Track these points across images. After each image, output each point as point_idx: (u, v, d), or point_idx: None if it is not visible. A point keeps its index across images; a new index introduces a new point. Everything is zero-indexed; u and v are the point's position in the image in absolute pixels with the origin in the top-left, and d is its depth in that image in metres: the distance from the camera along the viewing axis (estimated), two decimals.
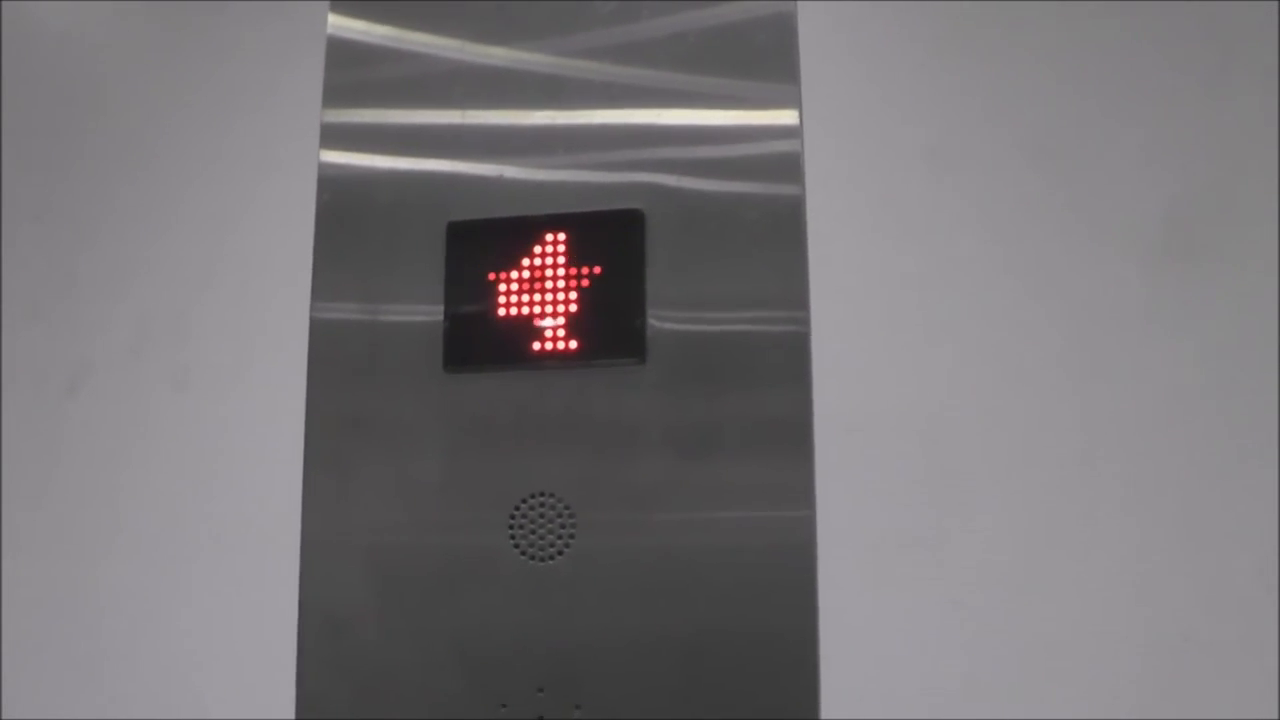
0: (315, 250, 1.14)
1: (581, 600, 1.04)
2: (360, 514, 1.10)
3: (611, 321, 1.07)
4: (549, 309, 1.09)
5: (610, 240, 1.09)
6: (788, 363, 1.04)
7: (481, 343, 1.10)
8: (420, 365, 1.10)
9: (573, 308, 1.08)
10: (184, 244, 1.25)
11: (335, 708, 1.08)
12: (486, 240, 1.11)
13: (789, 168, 1.07)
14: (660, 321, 1.06)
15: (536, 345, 1.09)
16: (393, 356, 1.11)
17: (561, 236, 1.09)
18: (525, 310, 1.09)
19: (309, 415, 1.13)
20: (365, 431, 1.11)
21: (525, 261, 1.10)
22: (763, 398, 1.04)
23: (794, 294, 1.05)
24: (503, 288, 1.10)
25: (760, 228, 1.06)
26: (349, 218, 1.15)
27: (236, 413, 1.24)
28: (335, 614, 1.09)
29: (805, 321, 1.05)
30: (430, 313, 1.11)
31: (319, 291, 1.14)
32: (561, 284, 1.09)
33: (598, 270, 1.09)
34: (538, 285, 1.10)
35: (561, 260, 1.09)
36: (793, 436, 1.03)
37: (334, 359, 1.13)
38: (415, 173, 1.15)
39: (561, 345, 1.08)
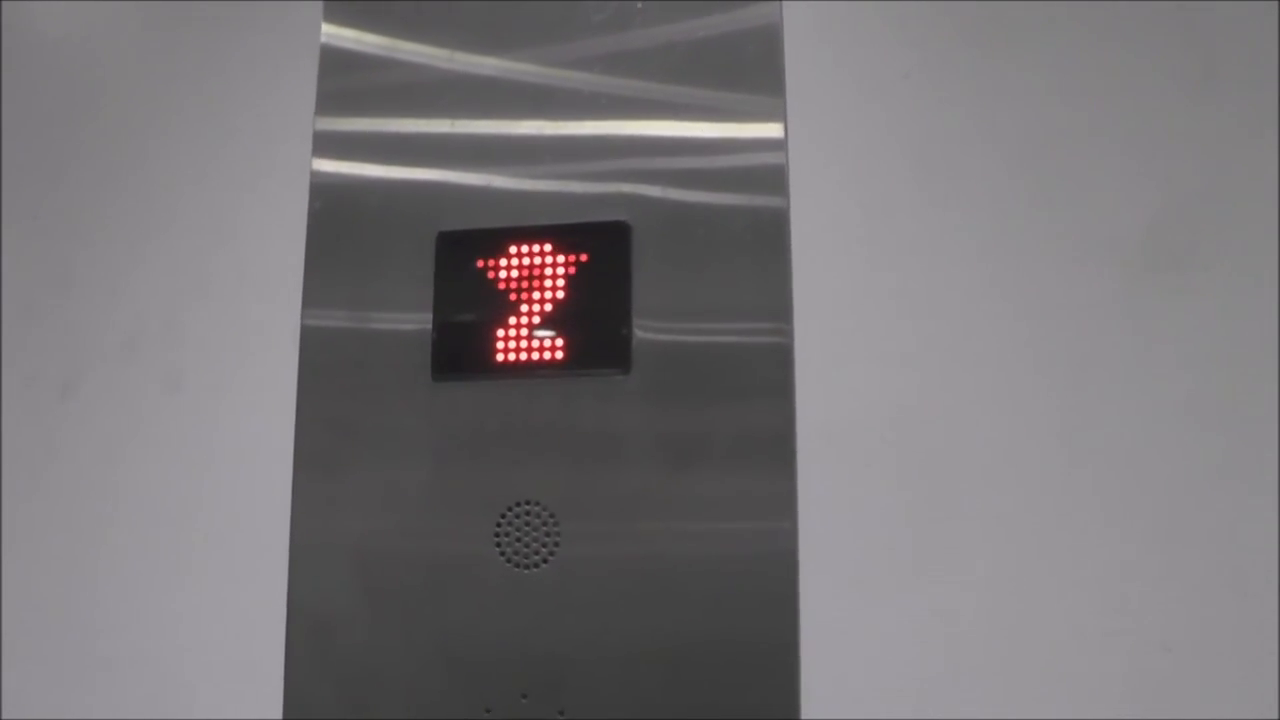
0: (306, 258, 1.15)
1: (565, 607, 1.06)
2: (348, 519, 1.11)
3: (597, 332, 1.08)
4: (535, 319, 1.10)
5: (596, 251, 1.10)
6: (770, 374, 1.05)
7: (469, 352, 1.11)
8: (409, 373, 1.11)
9: (559, 318, 1.09)
10: (179, 246, 1.26)
11: (321, 710, 1.09)
12: (475, 250, 1.12)
13: (773, 180, 1.08)
14: (645, 332, 1.07)
15: (523, 355, 1.10)
16: (382, 364, 1.12)
17: (549, 247, 1.10)
18: (512, 320, 1.10)
19: (299, 421, 1.14)
20: (354, 438, 1.12)
21: (513, 272, 1.11)
22: (746, 409, 1.05)
23: (777, 305, 1.06)
24: (490, 297, 1.11)
25: (744, 239, 1.07)
26: (340, 225, 1.15)
27: (230, 415, 1.25)
28: (322, 618, 1.11)
29: (788, 333, 1.05)
30: (419, 321, 1.12)
31: (310, 299, 1.15)
32: (548, 294, 1.10)
33: (583, 281, 1.10)
34: (525, 295, 1.10)
35: (548, 271, 1.10)
36: (775, 447, 1.04)
37: (324, 366, 1.14)
38: (405, 181, 1.16)
39: (548, 355, 1.09)
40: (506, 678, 1.05)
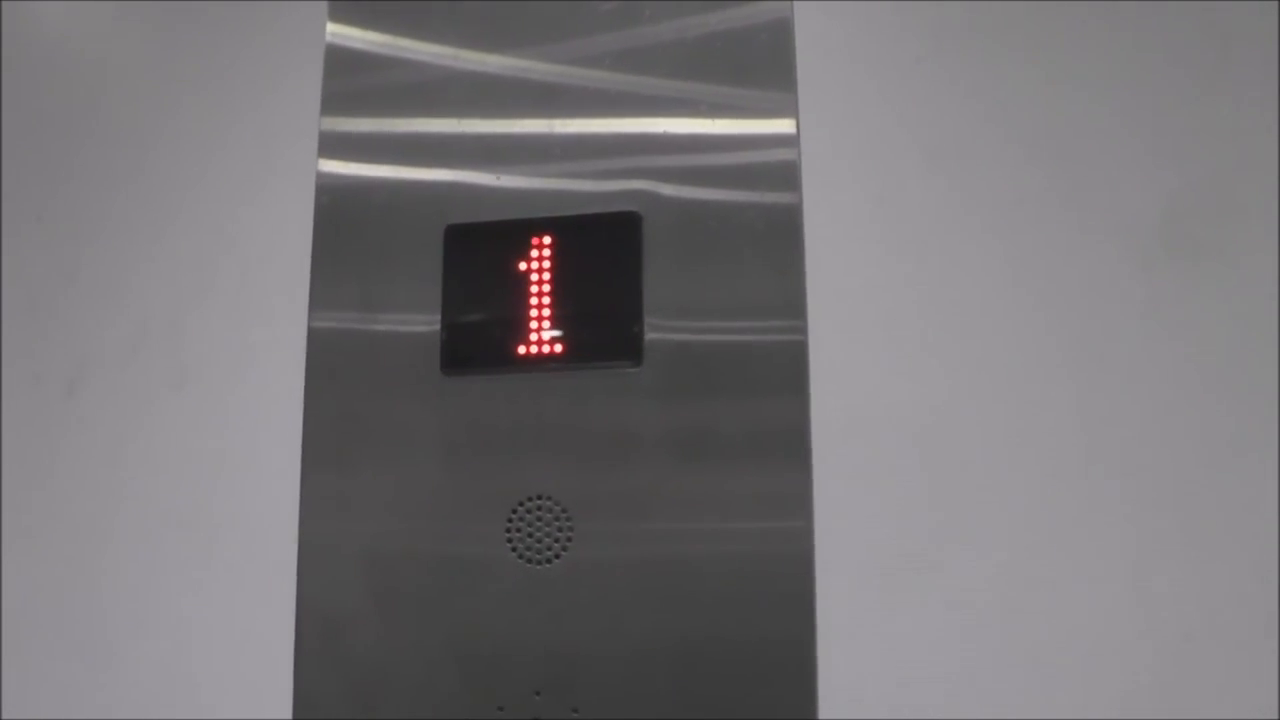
0: (313, 258, 1.14)
1: (578, 603, 1.05)
2: (358, 517, 1.11)
3: (608, 323, 1.08)
4: (546, 311, 1.09)
5: (607, 242, 1.09)
6: (785, 372, 1.05)
7: (479, 346, 1.10)
8: (418, 371, 1.11)
9: (569, 310, 1.09)
10: (183, 245, 1.25)
11: (332, 709, 1.09)
12: (484, 243, 1.11)
13: (786, 176, 1.07)
14: (657, 332, 1.07)
15: (534, 348, 1.09)
16: (390, 361, 1.12)
17: (559, 239, 1.10)
18: (522, 313, 1.10)
19: (307, 419, 1.13)
20: (362, 436, 1.11)
21: (522, 264, 1.10)
22: (760, 407, 1.04)
23: (791, 303, 1.06)
24: (500, 290, 1.10)
25: (758, 236, 1.07)
26: (346, 225, 1.15)
27: (235, 413, 1.24)
28: (333, 617, 1.10)
29: (803, 330, 1.05)
30: (428, 317, 1.11)
31: (317, 299, 1.14)
32: (559, 286, 1.09)
33: (594, 271, 1.09)
34: (535, 287, 1.10)
35: (558, 262, 1.10)
36: (790, 446, 1.03)
37: (332, 365, 1.13)
38: (412, 180, 1.15)
39: (558, 348, 1.09)
40: (520, 675, 1.05)
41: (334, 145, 1.17)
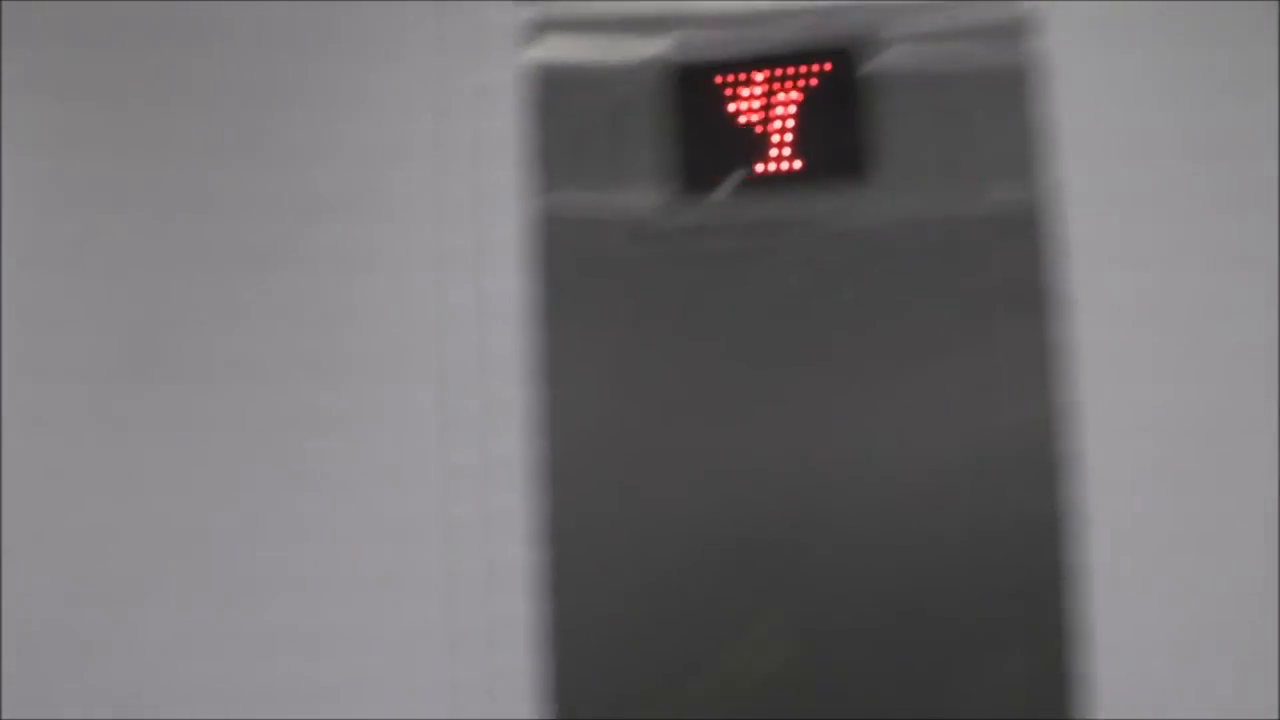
0: (533, 139, 1.12)
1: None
2: (594, 385, 1.10)
3: (838, 140, 1.08)
4: (778, 125, 1.09)
5: (831, 71, 1.08)
6: (1024, 235, 1.02)
7: (715, 163, 1.10)
8: (637, 240, 1.10)
9: (801, 127, 1.09)
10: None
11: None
12: (712, 79, 1.11)
13: (1024, 28, 1.04)
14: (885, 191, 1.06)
15: (769, 165, 1.09)
16: (617, 230, 1.10)
17: (779, 72, 1.09)
18: (750, 146, 1.09)
19: (539, 303, 1.10)
20: (587, 305, 1.11)
21: (746, 103, 1.10)
22: (1001, 270, 1.03)
23: (1030, 160, 1.03)
24: (725, 128, 1.10)
25: (994, 90, 1.04)
26: (562, 102, 1.12)
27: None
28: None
29: (1045, 188, 1.02)
30: (652, 184, 1.10)
31: (543, 181, 1.11)
32: (790, 112, 1.09)
33: (820, 98, 1.08)
34: (759, 125, 1.09)
35: (781, 96, 1.09)
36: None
37: (561, 239, 1.11)
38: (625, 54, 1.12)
39: (796, 164, 1.08)
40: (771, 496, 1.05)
41: (541, 26, 1.14)
